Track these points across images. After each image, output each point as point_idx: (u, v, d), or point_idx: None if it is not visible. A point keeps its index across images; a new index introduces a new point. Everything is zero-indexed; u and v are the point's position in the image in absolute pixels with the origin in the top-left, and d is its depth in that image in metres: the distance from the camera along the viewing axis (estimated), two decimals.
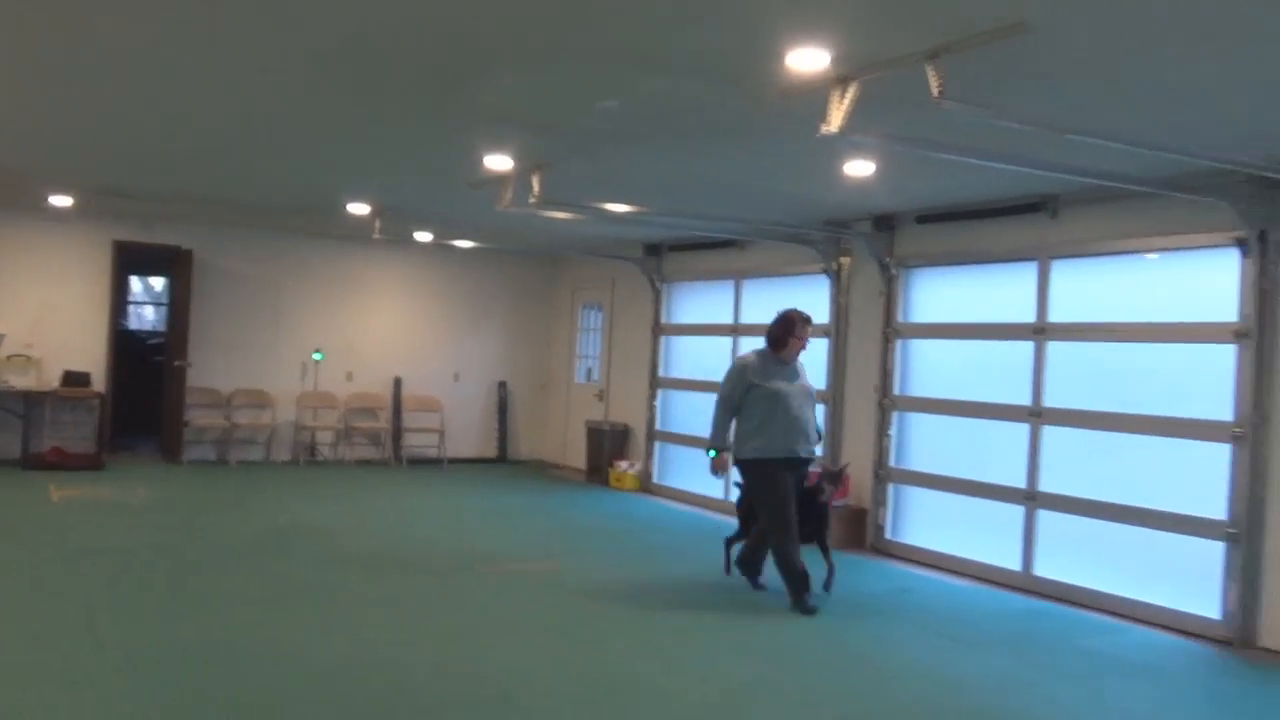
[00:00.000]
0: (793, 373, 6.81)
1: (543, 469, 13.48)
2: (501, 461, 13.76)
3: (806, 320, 6.87)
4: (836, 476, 7.25)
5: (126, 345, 13.49)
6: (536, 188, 7.34)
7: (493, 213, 8.20)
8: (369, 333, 13.08)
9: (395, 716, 4.41)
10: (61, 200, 10.52)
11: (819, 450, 7.34)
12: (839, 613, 6.53)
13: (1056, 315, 7.55)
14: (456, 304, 13.60)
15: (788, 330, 6.78)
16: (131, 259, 12.67)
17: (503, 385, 13.91)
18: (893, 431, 8.83)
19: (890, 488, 8.83)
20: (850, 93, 4.61)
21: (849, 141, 4.98)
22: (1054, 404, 7.49)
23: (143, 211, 11.29)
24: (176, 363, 11.85)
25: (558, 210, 8.22)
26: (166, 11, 4.38)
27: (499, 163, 7.18)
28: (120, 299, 13.98)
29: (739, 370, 6.84)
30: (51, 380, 11.22)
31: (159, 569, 6.86)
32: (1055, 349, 7.55)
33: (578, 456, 13.00)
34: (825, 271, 9.42)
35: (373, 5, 4.17)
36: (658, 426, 11.88)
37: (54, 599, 5.96)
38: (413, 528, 8.90)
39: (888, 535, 8.80)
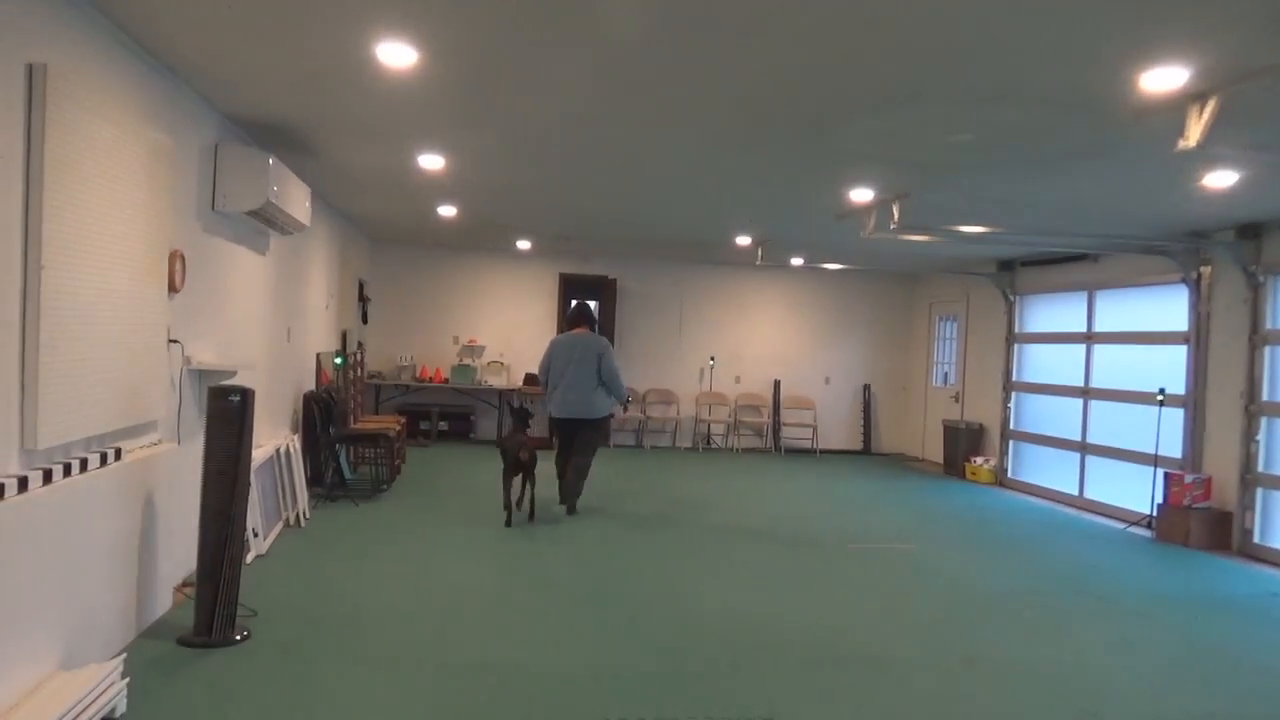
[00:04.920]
0: None
1: (903, 461, 13.04)
2: (865, 453, 13.52)
3: None
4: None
5: None
6: (896, 215, 7.14)
7: (856, 238, 8.08)
8: (753, 342, 13.40)
9: (772, 665, 4.45)
10: (524, 243, 11.80)
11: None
12: (1204, 612, 5.74)
13: None
14: (826, 317, 13.56)
15: None
16: (572, 286, 13.82)
17: (867, 387, 13.64)
18: (1260, 437, 7.58)
19: (1259, 492, 7.59)
20: (1210, 107, 4.04)
21: (1209, 155, 4.36)
22: None
23: (580, 250, 12.40)
24: None
25: (916, 234, 7.93)
26: (592, 105, 4.77)
27: (862, 195, 7.07)
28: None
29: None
30: (517, 380, 12.59)
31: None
32: None
33: (935, 451, 12.44)
34: (1184, 281, 8.29)
35: (757, 74, 4.25)
36: (1012, 426, 11.08)
37: (513, 559, 6.67)
38: (789, 507, 8.96)
39: (1256, 540, 7.57)
